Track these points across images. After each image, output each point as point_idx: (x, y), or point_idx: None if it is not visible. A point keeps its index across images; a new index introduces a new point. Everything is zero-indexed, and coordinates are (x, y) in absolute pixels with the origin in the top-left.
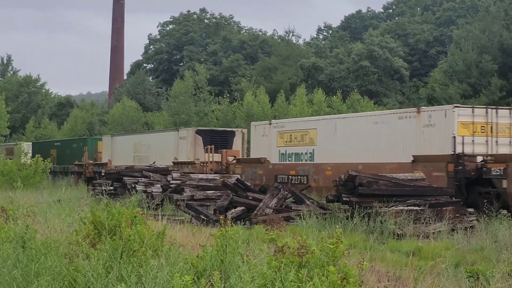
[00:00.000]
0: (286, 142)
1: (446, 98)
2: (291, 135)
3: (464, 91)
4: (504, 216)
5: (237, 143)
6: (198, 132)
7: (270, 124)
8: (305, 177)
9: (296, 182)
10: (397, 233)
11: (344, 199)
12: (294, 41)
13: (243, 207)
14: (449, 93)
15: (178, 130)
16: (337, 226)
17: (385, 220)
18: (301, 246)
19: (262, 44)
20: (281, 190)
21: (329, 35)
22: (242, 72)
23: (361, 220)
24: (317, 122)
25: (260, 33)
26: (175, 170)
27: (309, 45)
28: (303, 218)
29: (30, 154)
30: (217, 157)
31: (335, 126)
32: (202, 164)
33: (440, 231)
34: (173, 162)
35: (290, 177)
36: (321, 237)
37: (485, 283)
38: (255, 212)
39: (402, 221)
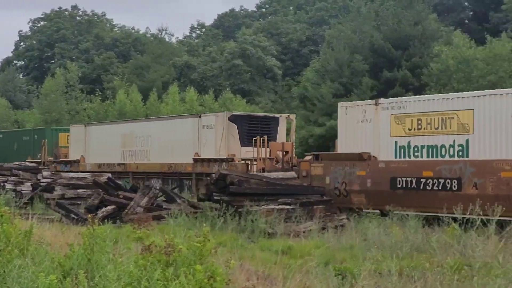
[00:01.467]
0: (409, 129)
1: (318, 97)
2: (419, 119)
3: (336, 90)
4: (374, 215)
5: (281, 133)
6: (233, 118)
7: (377, 104)
8: (454, 180)
9: (437, 188)
10: (268, 232)
11: (215, 197)
12: (167, 39)
13: (114, 206)
14: (321, 92)
15: (200, 116)
16: (204, 224)
17: (256, 219)
18: (168, 245)
19: (135, 42)
20: (152, 188)
21: (202, 33)
22: (115, 70)
23: (232, 219)
24: (474, 100)
25: (133, 31)
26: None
27: (182, 44)
28: (174, 217)
29: None
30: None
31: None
32: (245, 162)
33: (311, 230)
34: (194, 160)
35: (423, 180)
36: (189, 235)
37: (353, 280)
38: (126, 211)
39: (273, 220)
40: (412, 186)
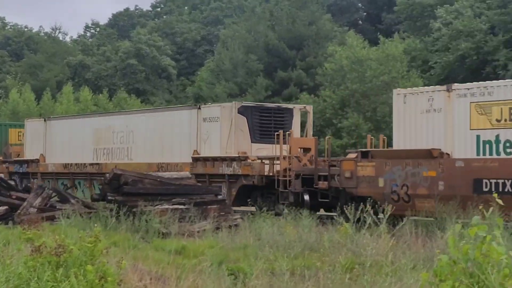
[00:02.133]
0: (497, 121)
1: (213, 97)
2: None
3: (230, 90)
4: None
5: (295, 127)
6: (242, 110)
7: (450, 90)
8: None
9: None
10: (162, 232)
11: (109, 198)
12: (61, 38)
13: (7, 207)
14: (216, 92)
15: (199, 108)
16: (96, 225)
17: (150, 219)
18: (58, 246)
19: (28, 40)
20: (46, 188)
21: (96, 32)
22: (7, 69)
23: (126, 219)
24: None
25: (26, 29)
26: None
27: (76, 43)
28: (67, 217)
29: None
30: (269, 149)
31: None
32: (262, 161)
33: (205, 230)
34: (193, 158)
35: None
36: (81, 236)
37: (246, 280)
38: (19, 211)
39: (168, 220)
40: (506, 190)
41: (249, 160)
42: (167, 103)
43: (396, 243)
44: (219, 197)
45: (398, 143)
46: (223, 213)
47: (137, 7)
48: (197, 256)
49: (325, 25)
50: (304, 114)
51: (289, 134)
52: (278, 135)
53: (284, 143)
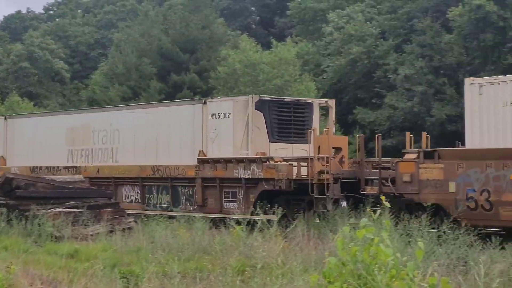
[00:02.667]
0: None
1: (107, 100)
2: None
3: (124, 93)
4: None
5: (316, 124)
6: (259, 104)
7: None
8: None
9: None
10: (55, 236)
11: (0, 202)
12: None
13: None
14: (110, 95)
15: (205, 102)
16: None
17: (43, 223)
18: None
19: None
20: None
21: None
22: None
23: (18, 223)
24: None
25: None
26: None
27: None
28: None
29: None
30: (288, 149)
31: None
32: (290, 163)
33: (98, 233)
34: (199, 160)
35: None
36: None
37: (138, 283)
38: None
39: (61, 223)
40: None
41: (273, 162)
42: (61, 107)
43: (288, 245)
44: (112, 200)
45: (472, 142)
46: (117, 216)
47: (29, 10)
48: (90, 260)
49: (218, 29)
50: (331, 110)
51: (303, 132)
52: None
53: (307, 142)
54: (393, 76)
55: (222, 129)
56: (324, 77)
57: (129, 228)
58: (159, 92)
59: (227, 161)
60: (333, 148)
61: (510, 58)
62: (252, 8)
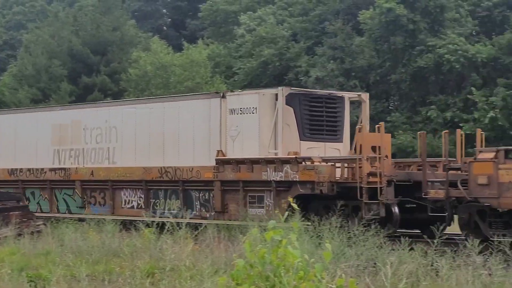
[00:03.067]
0: None
1: (16, 102)
2: None
3: (34, 95)
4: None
5: (347, 120)
6: (289, 98)
7: None
8: None
9: None
10: None
11: None
12: None
13: None
14: (19, 98)
15: (223, 96)
16: None
17: None
18: None
19: None
20: None
21: None
22: None
23: None
24: None
25: None
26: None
27: None
28: None
29: None
30: (320, 149)
31: None
32: (333, 164)
33: (6, 236)
34: (217, 161)
35: None
36: None
37: (45, 286)
38: None
39: None
40: None
41: (311, 163)
42: None
43: (199, 247)
44: (21, 203)
45: None
46: (26, 220)
47: None
48: None
49: (130, 30)
50: (364, 105)
51: (336, 129)
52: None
53: (340, 140)
54: (304, 78)
55: (245, 126)
56: (236, 79)
57: (38, 231)
58: (69, 94)
59: (254, 161)
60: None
61: (420, 61)
62: (164, 10)
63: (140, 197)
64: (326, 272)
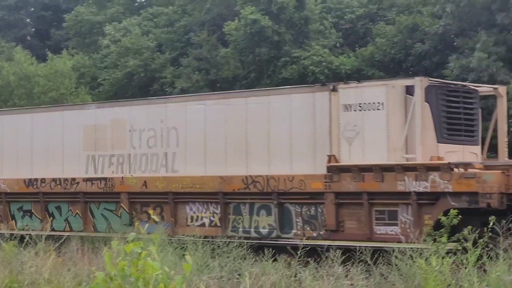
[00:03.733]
0: None
1: None
2: None
3: None
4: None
5: (479, 117)
6: (430, 91)
7: None
8: None
9: None
10: None
11: None
12: None
13: None
14: None
15: (333, 89)
16: None
17: None
18: None
19: None
20: None
21: None
22: None
23: None
24: None
25: None
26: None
27: None
28: None
29: None
30: (459, 153)
31: None
32: (504, 172)
33: None
34: (330, 168)
35: None
36: None
37: None
38: None
39: None
40: None
41: (474, 168)
42: None
43: (62, 260)
44: None
45: None
46: None
47: None
48: None
49: None
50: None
51: (474, 129)
52: None
53: (477, 142)
54: (169, 90)
55: (367, 126)
56: (100, 90)
57: None
58: None
59: (386, 168)
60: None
61: (284, 72)
62: (28, 20)
63: (214, 212)
64: (188, 284)
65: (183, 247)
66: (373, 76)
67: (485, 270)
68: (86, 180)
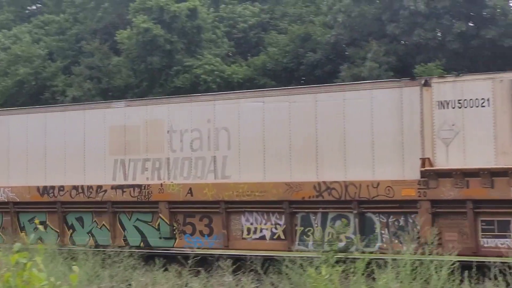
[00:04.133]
0: None
1: None
2: None
3: None
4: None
5: None
6: None
7: None
8: None
9: None
10: None
11: None
12: None
13: None
14: None
15: (426, 83)
16: None
17: None
18: None
19: None
20: None
21: None
22: None
23: None
24: None
25: None
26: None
27: None
28: None
29: None
30: None
31: None
32: None
33: None
34: (425, 173)
35: None
36: None
37: None
38: None
39: None
40: None
41: None
42: None
43: None
44: None
45: None
46: None
47: None
48: None
49: None
50: None
51: None
52: None
53: None
54: (61, 98)
55: (469, 125)
56: None
57: None
58: None
59: (495, 173)
60: None
61: (177, 81)
62: None
63: (277, 223)
64: None
65: (73, 257)
66: (265, 85)
67: (373, 278)
68: (116, 187)
